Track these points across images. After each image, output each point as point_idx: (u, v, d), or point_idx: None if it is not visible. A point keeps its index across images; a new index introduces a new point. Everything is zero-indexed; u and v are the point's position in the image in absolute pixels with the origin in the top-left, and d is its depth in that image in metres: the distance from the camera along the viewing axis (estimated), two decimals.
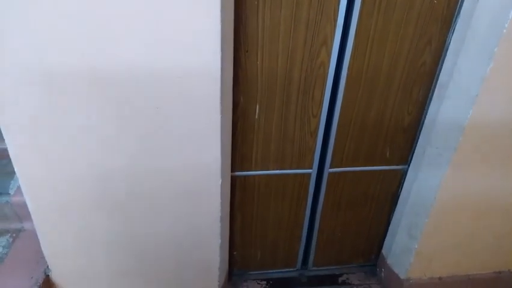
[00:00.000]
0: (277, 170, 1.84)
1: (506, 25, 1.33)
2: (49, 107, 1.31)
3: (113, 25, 1.19)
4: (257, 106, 1.64)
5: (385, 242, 2.20)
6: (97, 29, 1.19)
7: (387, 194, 2.04)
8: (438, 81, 1.67)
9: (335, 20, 1.48)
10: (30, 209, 1.55)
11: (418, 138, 1.84)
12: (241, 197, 1.91)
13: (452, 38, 1.58)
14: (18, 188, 1.85)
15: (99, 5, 1.15)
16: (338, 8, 1.46)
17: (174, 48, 1.25)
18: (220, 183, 1.56)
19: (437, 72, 1.67)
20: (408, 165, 1.93)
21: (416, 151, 1.87)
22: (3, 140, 1.37)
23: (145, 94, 1.32)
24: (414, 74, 1.67)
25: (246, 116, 1.67)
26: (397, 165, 1.93)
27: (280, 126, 1.72)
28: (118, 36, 1.21)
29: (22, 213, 1.88)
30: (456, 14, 1.53)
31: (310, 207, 2.01)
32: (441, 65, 1.65)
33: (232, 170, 1.79)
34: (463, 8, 1.51)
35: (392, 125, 1.80)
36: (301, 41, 1.51)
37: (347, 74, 1.62)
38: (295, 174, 1.88)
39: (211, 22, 1.21)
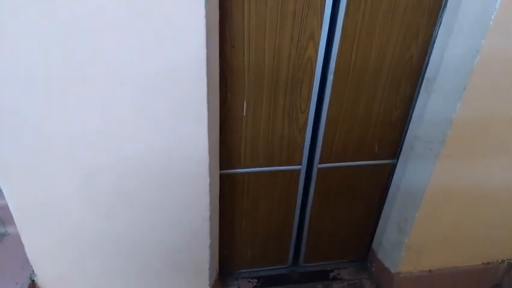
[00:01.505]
0: (266, 167, 1.83)
1: (492, 17, 1.33)
2: (30, 104, 1.27)
3: (96, 21, 1.15)
4: (245, 103, 1.62)
5: (375, 237, 2.20)
6: (80, 25, 1.15)
7: (377, 189, 2.04)
8: (426, 75, 1.67)
9: (322, 14, 1.47)
10: (12, 212, 1.51)
11: (406, 132, 1.84)
12: (230, 195, 1.89)
13: (439, 31, 1.58)
14: (1, 191, 1.80)
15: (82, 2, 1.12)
16: (325, 1, 1.44)
17: (158, 44, 1.22)
18: (208, 182, 1.54)
19: (424, 66, 1.67)
20: (397, 160, 1.93)
21: (404, 145, 1.87)
22: None
23: (130, 92, 1.29)
24: (401, 68, 1.66)
25: (233, 113, 1.64)
26: (386, 159, 1.93)
27: (268, 122, 1.70)
28: (101, 32, 1.17)
29: (5, 216, 1.83)
30: (442, 6, 1.53)
31: (300, 203, 2.00)
32: (429, 59, 1.65)
33: (221, 168, 1.77)
34: (449, 0, 1.50)
35: (380, 119, 1.79)
36: (288, 35, 1.49)
37: (335, 69, 1.60)
38: (285, 171, 1.86)
39: (195, 17, 1.18)
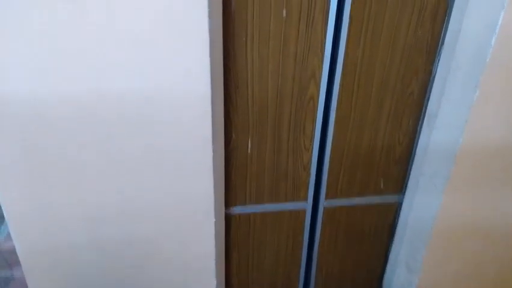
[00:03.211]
0: (271, 203, 1.82)
1: (489, 53, 1.36)
2: (36, 146, 1.30)
3: (102, 60, 1.20)
4: (249, 141, 1.64)
5: (385, 276, 2.14)
6: (86, 63, 1.20)
7: (384, 226, 2.01)
8: (427, 111, 1.69)
9: (322, 53, 1.51)
10: (19, 255, 1.50)
11: (411, 168, 1.84)
12: (236, 235, 1.87)
13: (438, 68, 1.61)
14: (9, 234, 1.80)
15: (87, 37, 1.16)
16: (325, 41, 1.49)
17: (163, 85, 1.26)
18: (213, 221, 1.53)
19: (425, 102, 1.69)
20: (403, 196, 1.91)
21: (409, 181, 1.86)
22: None
23: (135, 131, 1.32)
24: (402, 104, 1.68)
25: (238, 152, 1.66)
26: (392, 195, 1.92)
27: (273, 160, 1.71)
28: (106, 72, 1.22)
29: (12, 260, 1.82)
30: (440, 44, 1.57)
31: (307, 242, 1.97)
32: (429, 95, 1.67)
33: (226, 207, 1.76)
34: (446, 38, 1.55)
35: (384, 155, 1.80)
36: (290, 75, 1.54)
37: (337, 106, 1.63)
38: (291, 210, 1.85)
39: (200, 59, 1.22)
